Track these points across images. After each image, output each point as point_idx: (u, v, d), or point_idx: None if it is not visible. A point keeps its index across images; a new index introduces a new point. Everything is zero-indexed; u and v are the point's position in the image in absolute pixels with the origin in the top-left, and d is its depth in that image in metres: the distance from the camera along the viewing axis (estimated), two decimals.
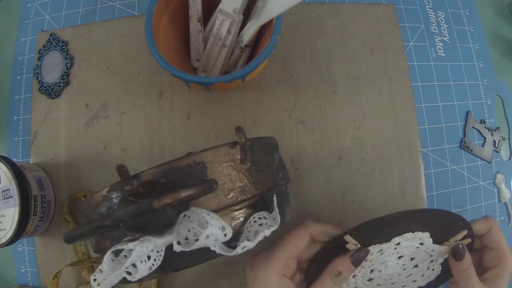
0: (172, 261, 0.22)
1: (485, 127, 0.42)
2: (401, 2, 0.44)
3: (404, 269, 0.28)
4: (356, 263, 0.25)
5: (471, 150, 0.41)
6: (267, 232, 0.22)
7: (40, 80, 0.41)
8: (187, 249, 0.20)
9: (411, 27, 0.43)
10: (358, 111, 0.39)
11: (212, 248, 0.21)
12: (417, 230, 0.26)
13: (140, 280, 0.23)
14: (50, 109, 0.40)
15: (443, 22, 0.44)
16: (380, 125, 0.39)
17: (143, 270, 0.21)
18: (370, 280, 0.29)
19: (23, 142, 0.41)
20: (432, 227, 0.26)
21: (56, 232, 0.38)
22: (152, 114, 0.39)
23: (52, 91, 0.41)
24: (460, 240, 0.27)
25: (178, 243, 0.20)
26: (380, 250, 0.26)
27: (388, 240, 0.26)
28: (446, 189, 0.40)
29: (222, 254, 0.22)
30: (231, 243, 0.22)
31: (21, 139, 0.41)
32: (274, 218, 0.23)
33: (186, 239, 0.20)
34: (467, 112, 0.42)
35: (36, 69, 0.42)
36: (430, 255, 0.28)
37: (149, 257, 0.22)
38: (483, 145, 0.42)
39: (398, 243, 0.26)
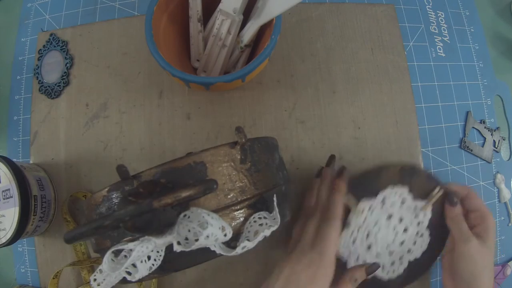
0: (172, 261, 0.22)
1: (485, 127, 0.42)
2: (401, 2, 0.44)
3: (396, 233, 0.32)
4: (369, 272, 0.30)
5: (471, 150, 0.41)
6: (267, 232, 0.22)
7: (40, 80, 0.41)
8: (187, 249, 0.20)
9: (411, 27, 0.43)
10: (358, 111, 0.39)
11: (212, 248, 0.21)
12: (395, 184, 0.32)
13: (140, 280, 0.23)
14: (50, 109, 0.40)
15: (443, 22, 0.44)
16: (380, 125, 0.39)
17: (143, 270, 0.21)
18: (369, 248, 0.32)
19: (23, 142, 0.41)
20: (410, 184, 0.32)
21: (56, 232, 0.38)
22: (152, 114, 0.39)
23: (52, 91, 0.41)
24: (436, 193, 0.32)
25: (178, 243, 0.20)
26: (370, 207, 0.32)
27: (374, 195, 0.32)
28: None
29: (222, 254, 0.22)
30: (231, 243, 0.22)
31: (21, 139, 0.41)
32: (274, 218, 0.23)
33: (186, 239, 0.20)
34: (467, 112, 0.42)
35: (36, 69, 0.42)
36: (415, 213, 0.32)
37: (149, 257, 0.22)
38: (483, 145, 0.42)
39: (383, 200, 0.32)
